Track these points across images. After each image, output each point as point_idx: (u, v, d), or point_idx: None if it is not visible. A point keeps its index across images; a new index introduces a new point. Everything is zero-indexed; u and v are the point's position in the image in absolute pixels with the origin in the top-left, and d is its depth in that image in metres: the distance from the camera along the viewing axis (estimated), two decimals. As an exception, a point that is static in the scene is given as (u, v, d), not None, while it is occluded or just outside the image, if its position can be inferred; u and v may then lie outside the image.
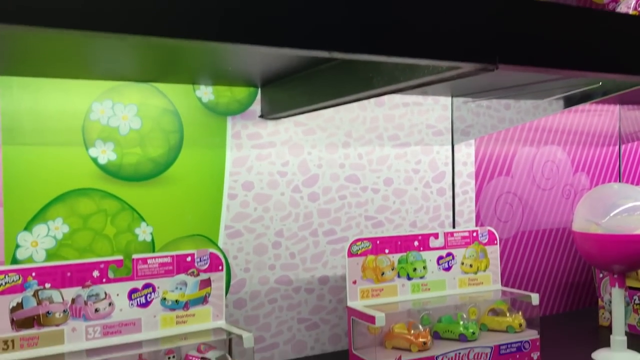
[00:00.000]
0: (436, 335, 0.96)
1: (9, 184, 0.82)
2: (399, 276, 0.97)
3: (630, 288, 1.10)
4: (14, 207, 0.82)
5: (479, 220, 1.19)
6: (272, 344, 1.00)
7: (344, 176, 1.06)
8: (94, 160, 0.87)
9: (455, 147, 1.16)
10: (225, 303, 0.84)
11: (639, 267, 0.93)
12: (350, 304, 0.93)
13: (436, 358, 0.89)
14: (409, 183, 1.12)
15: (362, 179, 1.07)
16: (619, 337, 0.95)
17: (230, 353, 0.81)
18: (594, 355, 0.96)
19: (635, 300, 1.09)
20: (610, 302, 1.17)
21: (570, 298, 1.32)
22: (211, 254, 0.82)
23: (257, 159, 0.98)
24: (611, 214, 0.92)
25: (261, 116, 0.98)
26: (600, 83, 0.91)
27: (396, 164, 1.10)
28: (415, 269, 0.98)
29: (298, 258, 1.02)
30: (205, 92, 0.94)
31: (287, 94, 0.90)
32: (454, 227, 1.16)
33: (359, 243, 0.95)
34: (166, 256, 0.79)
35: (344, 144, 1.06)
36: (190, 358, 0.79)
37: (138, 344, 0.76)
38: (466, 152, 1.18)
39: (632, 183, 1.37)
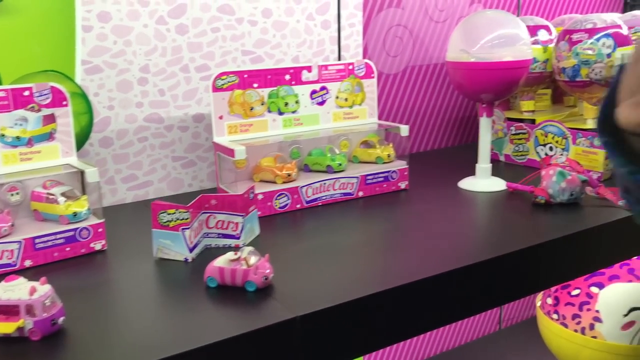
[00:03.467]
0: (307, 169, 0.96)
1: None
2: (269, 111, 0.95)
3: (509, 119, 1.12)
4: None
5: (366, 55, 1.16)
6: (146, 182, 0.99)
7: (216, 6, 0.99)
8: None
9: (340, -25, 1.09)
10: (74, 139, 0.81)
11: (505, 94, 0.93)
12: (216, 139, 0.91)
13: (301, 189, 0.90)
14: (290, 15, 1.06)
15: (237, 10, 1.01)
16: (483, 164, 0.97)
17: (83, 189, 0.79)
18: (460, 183, 0.99)
19: (512, 130, 1.11)
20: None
21: (455, 133, 1.33)
22: (52, 87, 0.77)
23: (112, -13, 0.90)
24: (481, 42, 0.90)
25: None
26: None
27: (273, -7, 1.03)
28: (286, 104, 0.95)
29: (168, 95, 0.98)
30: None
31: None
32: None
33: (224, 77, 0.91)
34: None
35: (213, -30, 0.98)
36: (36, 194, 0.77)
37: (-25, 182, 0.73)
38: (353, -19, 1.11)
39: (531, 14, 1.34)
